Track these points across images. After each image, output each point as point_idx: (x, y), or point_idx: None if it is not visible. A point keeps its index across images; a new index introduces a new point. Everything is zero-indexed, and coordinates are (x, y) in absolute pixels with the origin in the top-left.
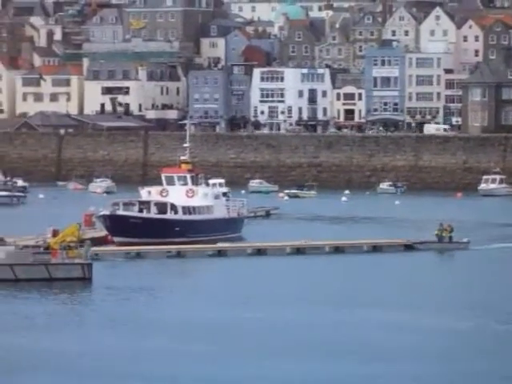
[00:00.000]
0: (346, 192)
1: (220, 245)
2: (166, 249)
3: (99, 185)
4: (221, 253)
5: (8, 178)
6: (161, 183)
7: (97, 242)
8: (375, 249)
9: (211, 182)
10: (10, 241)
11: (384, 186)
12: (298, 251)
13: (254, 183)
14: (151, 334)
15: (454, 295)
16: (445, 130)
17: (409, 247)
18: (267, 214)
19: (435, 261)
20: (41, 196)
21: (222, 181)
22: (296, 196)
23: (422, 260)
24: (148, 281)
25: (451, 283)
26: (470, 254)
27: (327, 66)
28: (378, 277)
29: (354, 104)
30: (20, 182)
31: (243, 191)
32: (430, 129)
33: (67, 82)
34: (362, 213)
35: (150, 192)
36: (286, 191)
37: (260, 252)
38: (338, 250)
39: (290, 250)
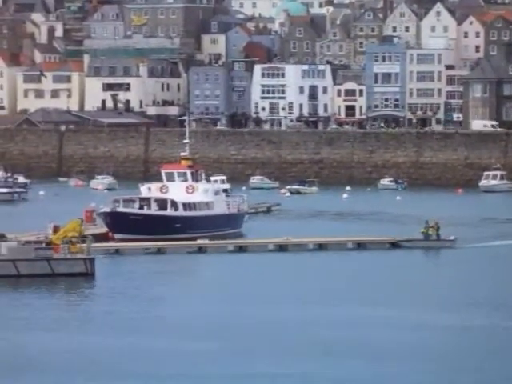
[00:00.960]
0: (348, 188)
1: (200, 241)
2: (145, 246)
3: (101, 181)
4: (201, 250)
5: (9, 175)
6: (161, 180)
7: (98, 238)
8: (359, 246)
9: (213, 178)
10: (11, 237)
11: (385, 182)
12: (281, 248)
13: (255, 180)
14: (154, 331)
15: (433, 293)
16: (493, 126)
17: (394, 245)
18: (268, 210)
19: (418, 258)
20: (41, 193)
21: (224, 177)
22: (298, 192)
23: (406, 258)
24: (149, 277)
25: (431, 281)
26: (457, 251)
27: (328, 63)
28: (357, 274)
29: (355, 100)
30: (21, 179)
31: (244, 188)
32: (477, 124)
33: (68, 79)
34: (363, 209)
35: (150, 188)
36: (288, 187)
37: (241, 249)
38: (321, 247)
39: (272, 247)
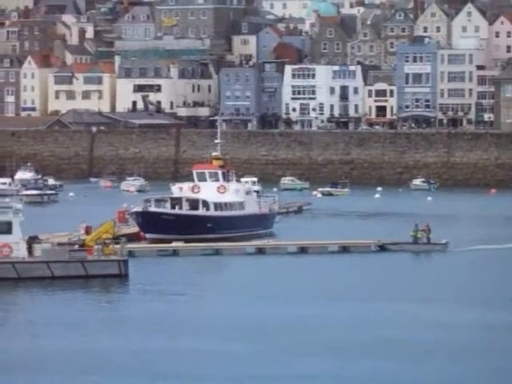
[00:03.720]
0: (379, 189)
1: (174, 244)
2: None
3: (132, 183)
4: (175, 252)
5: (39, 177)
6: (192, 180)
7: (130, 238)
8: (344, 250)
9: (243, 180)
10: (44, 238)
11: (417, 182)
12: (260, 251)
13: (286, 181)
14: (188, 333)
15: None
16: None
17: (381, 248)
18: (299, 210)
19: (402, 262)
20: (71, 194)
21: (255, 179)
22: (330, 194)
23: (389, 261)
24: (184, 278)
25: (402, 284)
26: (447, 256)
27: (359, 63)
28: (324, 278)
29: (386, 101)
30: (51, 181)
31: (275, 189)
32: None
33: (99, 80)
34: (394, 209)
35: (181, 188)
36: (320, 189)
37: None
38: (303, 250)
39: (250, 251)
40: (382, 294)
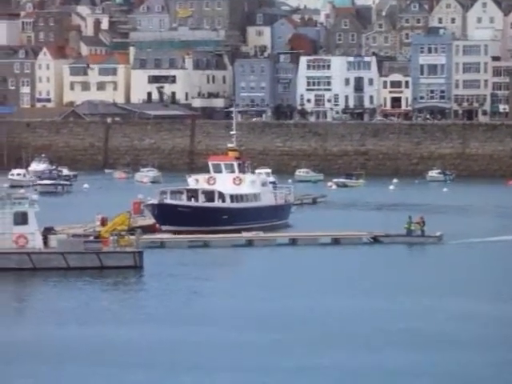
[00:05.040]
0: (395, 180)
1: (159, 236)
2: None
3: (146, 174)
4: (162, 244)
5: (53, 167)
6: (207, 171)
7: (145, 230)
8: (335, 242)
9: (257, 171)
10: (60, 229)
11: (433, 173)
12: (249, 243)
13: (301, 172)
14: (203, 324)
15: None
16: None
17: (374, 240)
18: (314, 202)
19: (394, 255)
20: (85, 185)
21: (269, 170)
22: (345, 185)
23: (379, 254)
24: (197, 270)
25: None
26: (440, 248)
27: (374, 54)
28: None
29: (401, 92)
30: (65, 171)
31: (290, 180)
32: None
33: (114, 71)
34: (409, 201)
35: (197, 180)
36: (335, 180)
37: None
38: (294, 242)
39: (238, 242)
40: (386, 286)
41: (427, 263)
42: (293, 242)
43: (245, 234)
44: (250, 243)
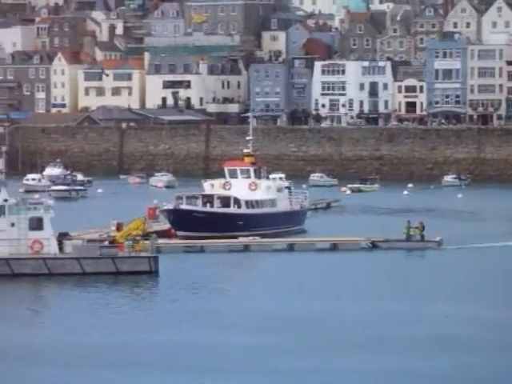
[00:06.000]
0: (409, 185)
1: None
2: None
3: (160, 179)
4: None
5: (68, 172)
6: (222, 177)
7: (161, 235)
8: (334, 247)
9: (272, 176)
10: (75, 235)
11: (448, 178)
12: (246, 248)
13: (315, 177)
14: (220, 327)
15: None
16: None
17: (372, 245)
18: (328, 207)
19: (394, 260)
20: (99, 190)
21: (283, 175)
22: (359, 190)
23: (377, 260)
24: (214, 273)
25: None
26: (439, 253)
27: (388, 59)
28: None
29: (416, 96)
30: (80, 176)
31: (304, 185)
32: None
33: (129, 76)
34: (423, 206)
35: (213, 185)
36: (349, 186)
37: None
38: (291, 248)
39: (234, 248)
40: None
41: (426, 268)
42: (290, 247)
43: (242, 240)
44: (246, 248)
